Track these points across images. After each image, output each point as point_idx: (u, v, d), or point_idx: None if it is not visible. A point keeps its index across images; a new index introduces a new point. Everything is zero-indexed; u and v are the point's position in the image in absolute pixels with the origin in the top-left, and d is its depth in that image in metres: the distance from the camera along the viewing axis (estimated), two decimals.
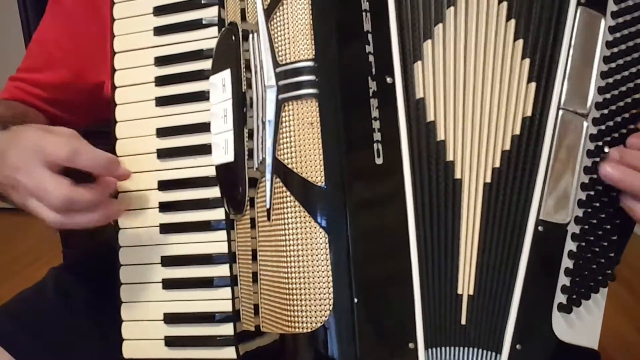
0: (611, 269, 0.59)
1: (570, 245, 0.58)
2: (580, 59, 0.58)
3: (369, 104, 0.54)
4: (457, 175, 0.56)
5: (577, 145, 0.58)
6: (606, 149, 0.58)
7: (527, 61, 0.57)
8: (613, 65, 0.59)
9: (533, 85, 0.57)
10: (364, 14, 0.55)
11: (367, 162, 0.53)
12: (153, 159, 0.66)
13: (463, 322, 0.55)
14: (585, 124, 0.58)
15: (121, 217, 0.66)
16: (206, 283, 0.63)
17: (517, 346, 0.56)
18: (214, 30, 0.65)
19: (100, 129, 0.72)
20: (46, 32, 0.82)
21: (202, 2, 0.66)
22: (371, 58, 0.54)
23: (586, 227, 0.58)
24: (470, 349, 0.56)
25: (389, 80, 0.55)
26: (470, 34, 0.57)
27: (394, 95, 0.55)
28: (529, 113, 0.57)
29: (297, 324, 0.53)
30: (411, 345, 0.53)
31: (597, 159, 0.58)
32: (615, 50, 0.59)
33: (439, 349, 0.55)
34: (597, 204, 0.58)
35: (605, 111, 0.59)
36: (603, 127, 0.59)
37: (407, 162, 0.54)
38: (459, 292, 0.55)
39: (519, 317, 0.56)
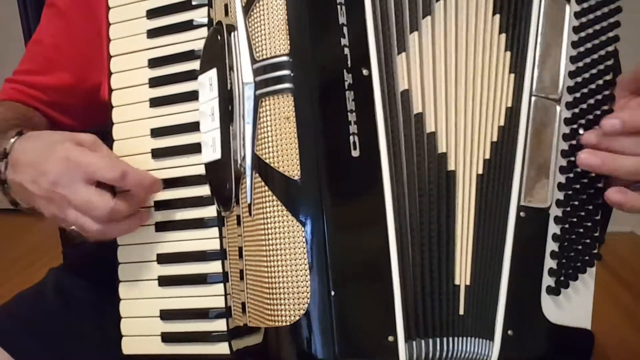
0: (596, 248, 0.59)
1: (553, 229, 0.58)
2: (549, 45, 0.58)
3: (345, 96, 0.54)
4: (451, 167, 0.56)
5: (552, 130, 0.58)
6: (581, 131, 0.58)
7: (508, 54, 0.58)
8: (581, 49, 0.60)
9: (512, 76, 0.58)
10: (339, 7, 0.55)
11: (343, 155, 0.53)
12: (148, 158, 0.67)
13: (461, 312, 0.55)
14: (558, 108, 0.58)
15: None
16: (200, 280, 0.64)
17: (509, 332, 0.56)
18: (204, 31, 0.66)
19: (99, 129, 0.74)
20: (43, 34, 0.83)
21: (193, 3, 0.67)
22: (347, 51, 0.54)
23: (568, 209, 0.58)
24: (463, 338, 0.56)
25: (365, 72, 0.55)
26: (460, 27, 0.58)
27: (370, 87, 0.55)
28: (510, 104, 0.58)
29: (277, 317, 0.53)
30: (390, 337, 0.53)
31: (574, 142, 0.58)
32: (583, 34, 0.60)
33: (425, 340, 0.54)
34: (577, 186, 0.58)
35: (578, 94, 0.59)
36: (577, 110, 0.59)
37: (384, 154, 0.54)
38: (457, 282, 0.55)
39: (508, 303, 0.56)
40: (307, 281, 0.52)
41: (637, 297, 1.85)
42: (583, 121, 0.59)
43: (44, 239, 1.91)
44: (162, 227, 0.66)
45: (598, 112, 0.59)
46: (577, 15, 0.60)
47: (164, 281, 0.66)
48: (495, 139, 0.58)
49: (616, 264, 2.10)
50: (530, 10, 0.59)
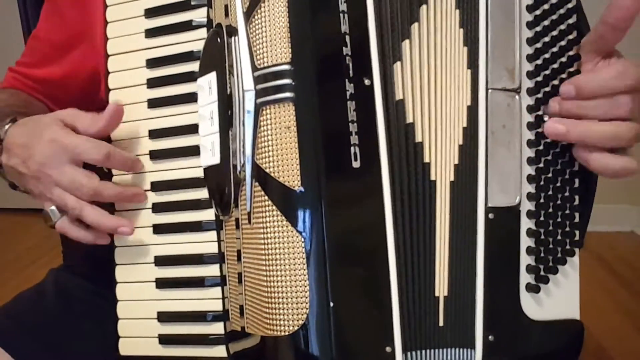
0: (576, 236, 0.58)
1: (527, 224, 0.57)
2: (501, 31, 0.56)
3: (346, 106, 0.53)
4: (432, 177, 0.56)
5: (514, 122, 0.56)
6: (546, 118, 0.56)
7: (465, 49, 0.56)
8: (538, 28, 0.57)
9: (469, 72, 0.56)
10: (341, 15, 0.54)
11: (344, 166, 0.53)
12: (146, 160, 0.67)
13: (441, 323, 0.55)
14: (517, 97, 0.56)
15: (117, 214, 0.67)
16: (198, 283, 0.64)
17: (490, 337, 0.56)
18: (203, 32, 0.65)
19: None
20: (40, 29, 0.84)
21: (192, 3, 0.66)
22: (348, 60, 0.54)
23: (541, 201, 0.57)
24: (447, 349, 0.55)
25: (367, 82, 0.54)
26: (437, 30, 0.56)
27: (372, 97, 0.54)
28: (469, 102, 0.56)
29: (276, 327, 0.53)
30: (388, 349, 0.53)
31: (540, 130, 0.56)
32: (538, 12, 0.57)
33: (416, 352, 0.55)
34: (549, 175, 0.57)
35: (540, 78, 0.56)
36: (540, 95, 0.56)
37: (385, 165, 0.54)
38: (437, 294, 0.55)
39: (485, 308, 0.55)
40: (306, 292, 0.52)
41: (637, 297, 1.86)
42: (557, 118, 0.56)
43: (44, 239, 1.91)
44: (159, 229, 0.66)
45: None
46: None
47: (162, 283, 0.66)
48: (461, 142, 0.56)
49: (616, 264, 2.11)
50: None
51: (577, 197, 0.58)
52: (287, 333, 0.53)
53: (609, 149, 0.54)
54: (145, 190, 0.67)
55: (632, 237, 2.43)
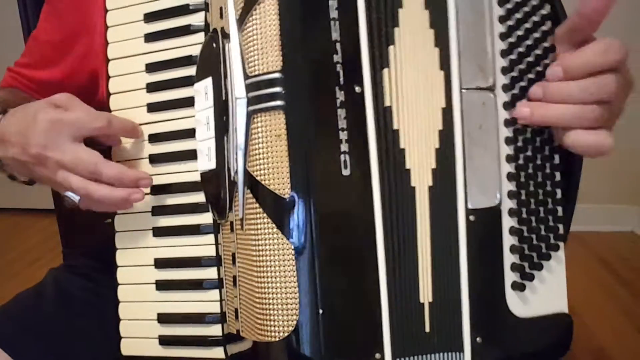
0: (560, 229, 0.57)
1: (509, 222, 0.56)
2: (471, 29, 0.55)
3: (337, 114, 0.54)
4: (413, 183, 0.55)
5: (490, 120, 0.55)
6: None
7: (437, 50, 0.55)
8: (511, 22, 0.55)
9: (442, 73, 0.55)
10: (332, 22, 0.54)
11: (334, 174, 0.53)
12: (146, 164, 0.68)
13: (427, 330, 0.55)
14: (491, 95, 0.55)
15: (117, 219, 0.68)
16: (196, 285, 0.65)
17: (477, 339, 0.55)
18: (201, 36, 0.66)
19: None
20: (40, 30, 0.85)
21: (190, 7, 0.66)
22: (339, 68, 0.54)
23: (522, 198, 0.56)
24: (435, 354, 0.55)
25: (357, 89, 0.54)
26: (413, 33, 0.55)
27: (362, 105, 0.54)
28: (443, 104, 0.55)
29: (267, 332, 0.54)
30: (378, 355, 0.53)
31: (518, 126, 0.56)
32: (509, 5, 0.55)
33: (405, 358, 0.55)
34: (529, 171, 0.56)
35: (515, 73, 0.55)
36: (516, 90, 0.55)
37: (375, 173, 0.54)
38: (421, 300, 0.55)
39: (471, 310, 0.55)
40: (296, 298, 0.53)
41: (637, 297, 1.84)
42: (524, 100, 0.56)
43: (44, 239, 1.92)
44: (159, 232, 0.67)
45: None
46: None
47: (162, 285, 0.67)
48: (437, 145, 0.56)
49: (616, 264, 2.08)
50: None
51: (559, 191, 0.57)
52: (278, 339, 0.53)
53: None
54: (145, 194, 0.68)
55: (632, 237, 2.39)
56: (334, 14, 0.54)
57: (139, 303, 0.68)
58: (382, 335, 0.53)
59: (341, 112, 0.54)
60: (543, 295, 0.57)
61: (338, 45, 0.54)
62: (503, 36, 0.55)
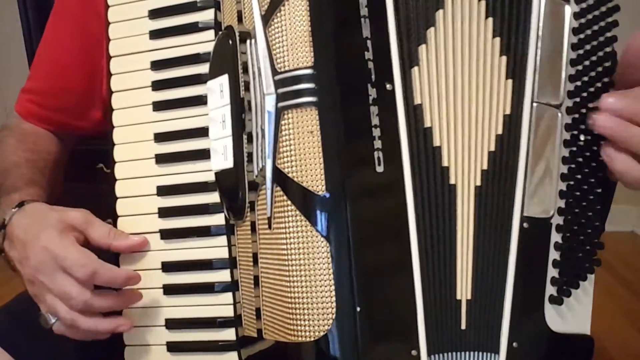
0: (596, 254, 0.60)
1: (555, 237, 0.58)
2: (549, 48, 0.57)
3: (369, 111, 0.54)
4: (452, 181, 0.56)
5: (553, 137, 0.58)
6: (582, 137, 0.58)
7: (504, 58, 0.57)
8: (581, 51, 0.58)
9: (510, 82, 0.57)
10: (362, 20, 0.54)
11: (367, 171, 0.53)
12: (152, 164, 0.66)
13: (463, 327, 0.56)
14: (559, 114, 0.58)
15: (121, 221, 0.66)
16: (207, 288, 0.63)
17: (514, 344, 0.56)
18: (210, 34, 0.64)
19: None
20: (52, 38, 0.82)
21: (198, 4, 0.65)
22: (370, 65, 0.54)
23: (569, 217, 0.58)
24: (470, 352, 0.56)
25: (388, 86, 0.54)
26: (457, 35, 0.56)
27: (393, 102, 0.54)
28: (508, 111, 0.57)
29: (299, 333, 0.53)
30: (414, 352, 0.53)
31: (574, 148, 0.58)
32: (582, 36, 0.58)
33: (440, 355, 0.55)
34: (578, 193, 0.58)
35: (578, 99, 0.58)
36: (577, 115, 0.58)
37: (407, 170, 0.54)
38: (458, 297, 0.56)
39: (512, 315, 0.56)
40: (332, 297, 0.52)
41: (637, 297, 1.89)
42: (583, 126, 0.58)
43: None
44: (167, 234, 0.65)
45: None
46: (577, 16, 0.58)
47: (170, 290, 0.65)
48: (492, 148, 0.57)
49: (617, 264, 2.12)
50: (528, 12, 0.57)
51: (598, 218, 0.60)
52: (311, 339, 0.53)
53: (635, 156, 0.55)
54: (151, 195, 0.65)
55: (632, 237, 2.46)
56: (364, 11, 0.54)
57: (145, 309, 0.65)
58: (418, 332, 0.54)
59: (374, 109, 0.54)
60: (574, 313, 0.59)
61: (369, 43, 0.54)
62: (573, 62, 0.58)
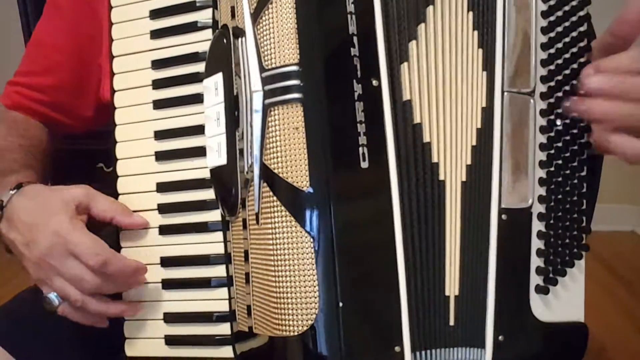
0: (583, 239, 0.59)
1: (538, 226, 0.57)
2: (517, 35, 0.56)
3: (354, 107, 0.54)
4: (441, 177, 0.56)
5: (527, 125, 0.57)
6: (558, 122, 0.57)
7: (480, 51, 0.57)
8: (552, 34, 0.57)
9: (485, 74, 0.56)
10: (349, 16, 0.54)
11: (352, 166, 0.54)
12: (151, 161, 0.67)
13: (451, 323, 0.55)
14: (532, 101, 0.57)
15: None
16: (204, 283, 0.64)
17: (500, 338, 0.56)
18: (208, 33, 0.65)
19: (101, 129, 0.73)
20: (44, 34, 0.83)
21: (197, 4, 0.66)
22: (356, 61, 0.54)
23: (551, 204, 0.57)
24: (457, 348, 0.56)
25: (374, 82, 0.54)
26: (445, 30, 0.56)
27: (380, 98, 0.55)
28: (484, 103, 0.56)
29: (285, 327, 0.54)
30: (397, 348, 0.53)
31: (552, 134, 0.57)
32: (552, 18, 0.57)
33: (426, 351, 0.55)
34: (559, 179, 0.58)
35: (552, 83, 0.57)
36: (552, 99, 0.57)
37: (393, 165, 0.54)
38: (447, 293, 0.55)
39: (496, 309, 0.56)
40: (315, 292, 0.53)
41: (637, 297, 1.86)
42: (560, 110, 0.57)
43: None
44: (165, 230, 0.66)
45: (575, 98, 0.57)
46: None
47: (168, 284, 0.66)
48: (475, 142, 0.57)
49: (617, 264, 2.10)
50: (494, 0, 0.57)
51: (584, 202, 0.59)
52: (296, 333, 0.53)
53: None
54: (151, 192, 0.67)
55: (632, 237, 2.43)
56: (350, 7, 0.54)
57: (144, 303, 0.66)
58: (402, 328, 0.53)
59: (359, 105, 0.54)
60: (563, 301, 0.58)
61: (355, 39, 0.54)
62: (544, 46, 0.57)
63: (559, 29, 0.57)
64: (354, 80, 0.54)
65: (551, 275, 0.57)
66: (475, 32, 0.56)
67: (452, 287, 0.56)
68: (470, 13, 0.56)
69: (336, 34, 0.54)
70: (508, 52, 0.56)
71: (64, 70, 0.81)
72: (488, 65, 0.56)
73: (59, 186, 0.65)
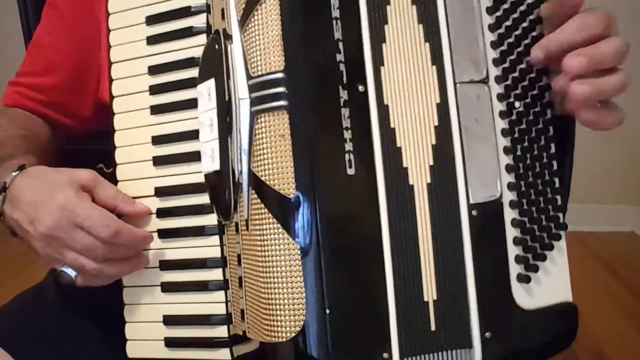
0: (560, 219, 0.57)
1: (511, 214, 0.56)
2: (461, 22, 0.55)
3: (340, 113, 0.54)
4: (411, 181, 0.55)
5: (486, 113, 0.56)
6: (517, 104, 0.56)
7: (427, 45, 0.55)
8: (499, 13, 0.56)
9: (434, 68, 0.55)
10: (334, 21, 0.54)
11: (338, 173, 0.53)
12: (149, 166, 0.68)
13: (433, 328, 0.55)
14: (486, 88, 0.56)
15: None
16: (202, 287, 0.65)
17: (487, 334, 0.55)
18: (203, 38, 0.66)
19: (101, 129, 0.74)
20: (43, 35, 0.83)
21: (192, 9, 0.66)
22: (342, 67, 0.54)
23: (522, 189, 0.56)
24: (444, 353, 0.55)
25: (361, 88, 0.54)
26: (399, 30, 0.55)
27: (366, 104, 0.54)
28: (438, 99, 0.55)
29: (274, 333, 0.54)
30: (385, 355, 0.53)
31: (513, 117, 0.56)
32: None
33: (413, 357, 0.55)
34: (527, 162, 0.56)
35: (506, 64, 0.56)
36: (509, 82, 0.56)
37: (380, 171, 0.54)
38: (425, 299, 0.55)
39: (479, 306, 0.55)
40: (302, 299, 0.53)
41: (637, 297, 1.84)
42: (518, 91, 0.56)
43: None
44: (164, 234, 0.67)
45: (533, 75, 0.56)
46: None
47: (167, 287, 0.67)
48: (434, 141, 0.56)
49: (616, 264, 2.09)
50: None
51: (556, 180, 0.57)
52: (285, 339, 0.53)
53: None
54: (150, 196, 0.68)
55: (632, 237, 2.40)
56: (335, 13, 0.54)
57: (144, 305, 0.68)
58: (390, 335, 0.53)
59: (345, 112, 0.54)
60: (548, 285, 0.57)
61: (341, 45, 0.54)
62: (492, 27, 0.56)
63: (505, 5, 0.56)
64: (340, 87, 0.54)
65: (531, 262, 0.56)
66: (420, 26, 0.55)
67: (429, 291, 0.55)
68: (414, 7, 0.55)
69: (322, 40, 0.54)
70: (455, 42, 0.55)
71: (63, 70, 0.81)
72: (436, 58, 0.55)
73: (65, 168, 0.65)
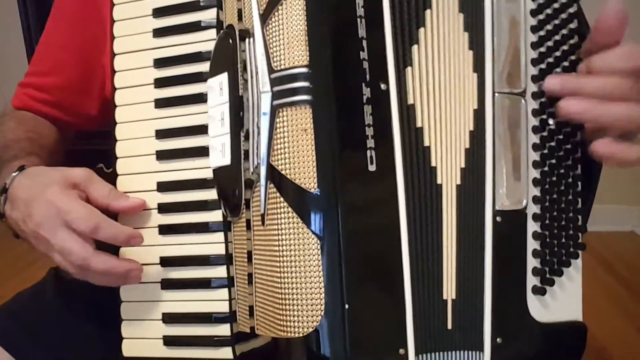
0: (579, 238, 0.59)
1: (533, 227, 0.58)
2: (506, 36, 0.57)
3: (363, 110, 0.54)
4: (439, 181, 0.56)
5: (520, 125, 0.58)
6: (550, 121, 0.58)
7: (471, 52, 0.57)
8: (542, 33, 0.58)
9: (475, 75, 0.57)
10: (359, 20, 0.55)
11: (360, 169, 0.54)
12: (152, 160, 0.67)
13: (449, 327, 0.56)
14: (523, 101, 0.58)
15: (120, 217, 0.66)
16: (204, 284, 0.64)
17: (498, 340, 0.57)
18: (212, 33, 0.65)
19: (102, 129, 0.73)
20: (50, 35, 0.83)
21: (201, 4, 0.66)
22: (365, 64, 0.54)
23: (546, 204, 0.58)
24: (456, 352, 0.56)
25: (383, 86, 0.55)
26: (441, 34, 0.57)
27: (388, 102, 0.55)
28: (476, 105, 0.57)
29: (289, 329, 0.54)
30: (402, 351, 0.53)
31: (544, 133, 0.58)
32: (542, 17, 0.58)
33: (428, 354, 0.55)
34: (554, 178, 0.58)
35: (544, 82, 0.57)
36: (544, 99, 0.58)
37: (400, 169, 0.55)
38: (444, 297, 0.56)
39: (493, 311, 0.56)
40: (321, 294, 0.53)
41: (637, 297, 1.88)
42: (552, 109, 0.58)
43: None
44: (165, 230, 0.66)
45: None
46: None
47: (167, 284, 0.65)
48: (468, 145, 0.57)
49: (616, 264, 2.12)
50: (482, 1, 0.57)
51: (579, 200, 0.59)
52: (300, 335, 0.53)
53: (618, 135, 0.54)
54: (152, 191, 0.66)
55: (632, 237, 2.45)
56: (360, 11, 0.55)
57: (143, 303, 0.66)
58: (406, 331, 0.54)
59: (367, 109, 0.54)
60: (561, 301, 0.59)
61: (364, 43, 0.55)
62: (534, 45, 0.58)
63: (549, 27, 0.58)
64: (363, 84, 0.54)
65: (548, 275, 0.58)
66: (466, 34, 0.57)
67: (449, 290, 0.56)
68: (461, 15, 0.57)
69: (346, 37, 0.55)
70: (497, 53, 0.57)
71: (69, 69, 0.81)
72: (478, 66, 0.57)
73: (62, 167, 0.65)
